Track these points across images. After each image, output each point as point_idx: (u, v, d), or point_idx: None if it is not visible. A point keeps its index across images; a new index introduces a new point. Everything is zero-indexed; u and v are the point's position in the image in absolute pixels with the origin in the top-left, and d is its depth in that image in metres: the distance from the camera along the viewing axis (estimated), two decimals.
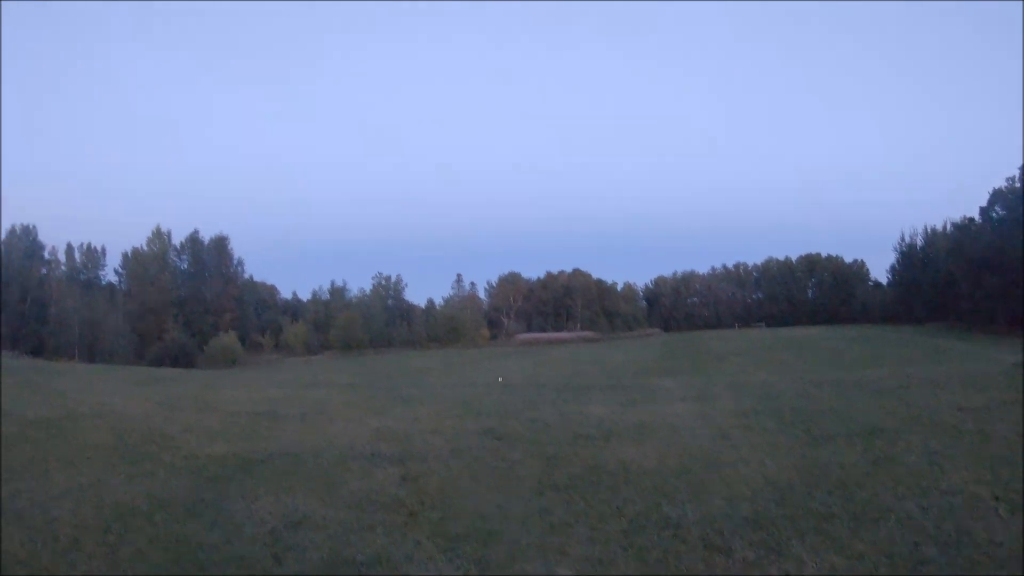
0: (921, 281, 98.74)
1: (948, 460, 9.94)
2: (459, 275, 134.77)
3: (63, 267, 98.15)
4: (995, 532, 7.27)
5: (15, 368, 31.69)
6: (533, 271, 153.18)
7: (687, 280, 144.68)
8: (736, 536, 7.33)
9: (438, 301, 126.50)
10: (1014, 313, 70.36)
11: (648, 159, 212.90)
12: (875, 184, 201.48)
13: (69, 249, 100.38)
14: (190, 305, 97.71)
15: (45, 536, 8.13)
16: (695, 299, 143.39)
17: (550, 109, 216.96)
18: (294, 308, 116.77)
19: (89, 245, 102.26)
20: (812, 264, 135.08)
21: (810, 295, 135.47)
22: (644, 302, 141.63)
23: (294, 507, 8.77)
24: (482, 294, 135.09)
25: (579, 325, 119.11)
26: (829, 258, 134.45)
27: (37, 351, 72.44)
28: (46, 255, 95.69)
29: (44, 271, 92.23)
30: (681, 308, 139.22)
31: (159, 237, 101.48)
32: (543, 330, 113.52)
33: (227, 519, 8.48)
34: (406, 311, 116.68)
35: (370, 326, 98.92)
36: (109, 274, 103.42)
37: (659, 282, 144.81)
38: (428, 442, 12.10)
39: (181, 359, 68.31)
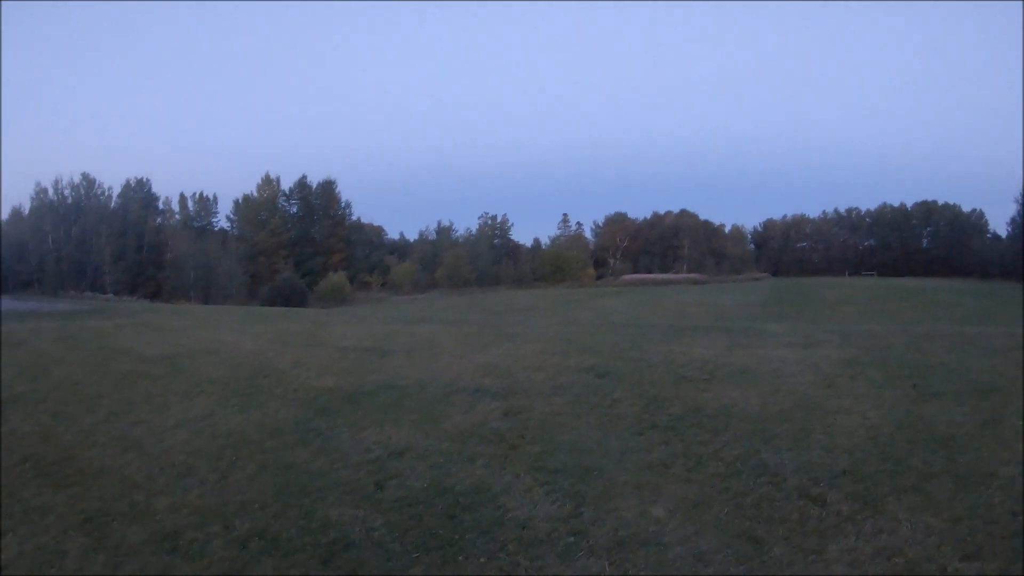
0: None
1: None
2: (565, 214, 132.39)
3: (177, 216, 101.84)
4: None
5: (134, 310, 33.31)
6: (640, 211, 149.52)
7: (797, 224, 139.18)
8: (833, 488, 7.21)
9: (544, 240, 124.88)
10: None
11: (757, 96, 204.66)
12: (996, 129, 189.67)
13: (182, 199, 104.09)
14: (300, 247, 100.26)
15: (162, 463, 8.72)
16: (805, 244, 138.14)
17: (655, 44, 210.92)
18: (401, 248, 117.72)
19: (201, 194, 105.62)
20: (928, 212, 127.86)
21: (925, 244, 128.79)
22: (752, 245, 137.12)
23: (398, 438, 9.10)
24: (588, 234, 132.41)
25: (686, 267, 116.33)
26: (946, 206, 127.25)
27: (155, 295, 76.32)
28: (160, 205, 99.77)
29: (159, 220, 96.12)
30: (790, 252, 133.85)
31: (268, 184, 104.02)
32: (649, 271, 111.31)
33: (333, 448, 8.89)
34: (512, 250, 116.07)
35: (476, 265, 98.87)
36: (221, 221, 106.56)
37: (768, 225, 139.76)
38: (531, 378, 12.24)
39: (292, 298, 69.99)
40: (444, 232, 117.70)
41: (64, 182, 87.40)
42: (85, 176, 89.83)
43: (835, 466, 7.84)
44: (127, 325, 23.89)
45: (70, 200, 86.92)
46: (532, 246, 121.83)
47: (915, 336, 18.15)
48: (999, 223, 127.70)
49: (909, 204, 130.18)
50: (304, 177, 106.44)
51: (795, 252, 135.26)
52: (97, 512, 7.21)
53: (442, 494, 7.04)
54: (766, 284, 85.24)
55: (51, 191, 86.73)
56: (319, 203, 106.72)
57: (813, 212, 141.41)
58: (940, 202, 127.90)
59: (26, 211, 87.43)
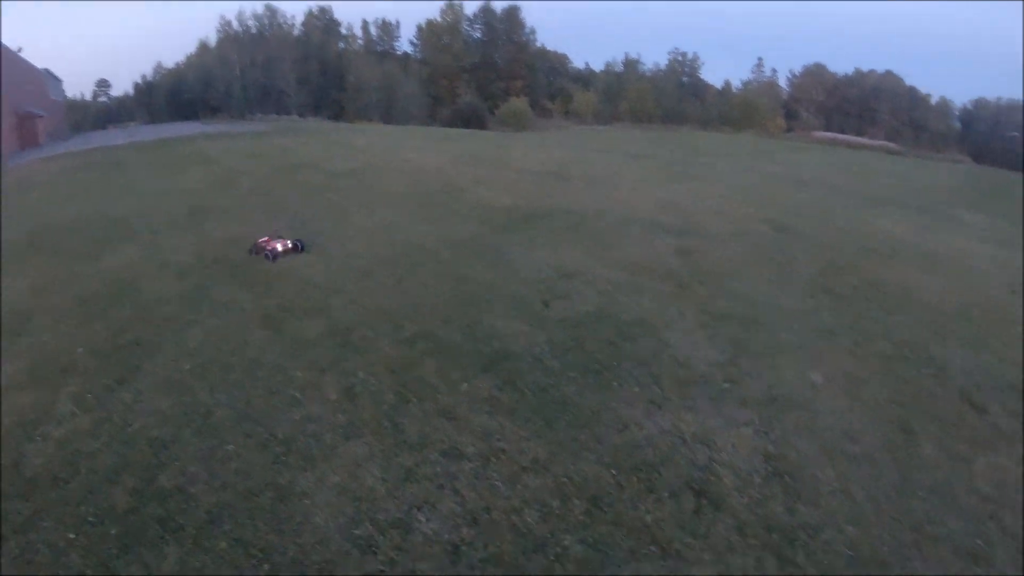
0: None
1: None
2: (760, 59, 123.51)
3: (360, 41, 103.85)
4: None
5: (318, 129, 34.52)
6: (840, 65, 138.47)
7: (1011, 110, 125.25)
8: (997, 399, 6.72)
9: (735, 84, 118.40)
10: None
11: None
12: None
13: (364, 25, 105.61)
14: (482, 71, 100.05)
15: (341, 266, 9.12)
16: (1016, 134, 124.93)
17: None
18: (585, 78, 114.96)
19: (384, 20, 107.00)
20: None
21: None
22: (958, 123, 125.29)
23: (570, 261, 9.16)
24: (783, 82, 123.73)
25: (882, 133, 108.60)
26: None
27: (337, 116, 79.14)
28: (343, 31, 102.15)
29: (342, 45, 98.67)
30: (999, 140, 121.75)
31: (452, 9, 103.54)
32: (842, 131, 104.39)
33: (506, 263, 9.06)
34: (700, 90, 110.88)
35: (661, 101, 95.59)
36: (404, 45, 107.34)
37: (979, 104, 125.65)
38: (709, 221, 12.00)
39: (472, 121, 70.85)
40: (631, 65, 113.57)
41: (247, 14, 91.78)
42: (268, 6, 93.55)
43: (1003, 378, 7.27)
44: (312, 142, 24.84)
45: (254, 30, 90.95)
46: (722, 88, 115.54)
47: None
48: None
49: None
50: (487, 2, 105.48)
51: (1004, 141, 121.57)
52: (277, 308, 7.66)
53: (606, 320, 7.06)
54: (966, 169, 78.67)
55: (235, 23, 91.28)
56: (503, 28, 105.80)
57: None
58: None
59: (212, 43, 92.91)
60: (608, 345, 6.52)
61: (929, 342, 7.88)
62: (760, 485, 4.78)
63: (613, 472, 4.77)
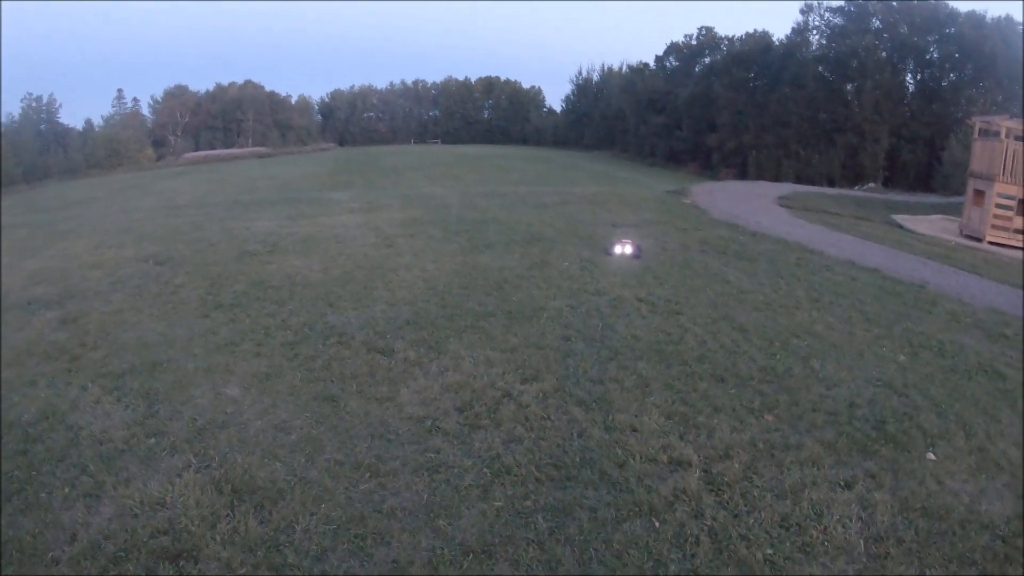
0: (593, 113, 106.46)
1: (598, 267, 11.30)
2: (120, 90, 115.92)
3: None
4: (636, 328, 8.42)
5: None
6: (202, 83, 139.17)
7: (364, 94, 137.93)
8: (398, 338, 7.85)
9: (97, 121, 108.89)
10: (672, 150, 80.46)
11: None
12: (556, 21, 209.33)
13: None
14: None
15: None
16: (372, 114, 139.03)
17: None
18: None
19: None
20: (490, 86, 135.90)
21: (487, 115, 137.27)
22: (319, 116, 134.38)
23: None
24: (146, 110, 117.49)
25: (251, 140, 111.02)
26: (507, 82, 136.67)
27: None
28: None
29: None
30: (357, 122, 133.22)
31: None
32: (212, 147, 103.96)
33: None
34: (62, 135, 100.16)
35: (21, 157, 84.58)
36: None
37: (335, 95, 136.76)
38: (87, 277, 11.19)
39: None
40: None
41: None
42: None
43: (398, 318, 8.55)
44: None
45: None
46: (84, 129, 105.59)
47: (472, 196, 19.93)
48: (555, 99, 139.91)
49: (473, 78, 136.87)
50: None
51: (362, 122, 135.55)
52: None
53: (8, 430, 6.09)
54: (333, 154, 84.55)
55: None
56: None
57: (380, 83, 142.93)
58: (502, 78, 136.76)
59: None
60: (20, 456, 5.64)
61: (324, 315, 8.70)
62: (227, 516, 4.73)
63: None
